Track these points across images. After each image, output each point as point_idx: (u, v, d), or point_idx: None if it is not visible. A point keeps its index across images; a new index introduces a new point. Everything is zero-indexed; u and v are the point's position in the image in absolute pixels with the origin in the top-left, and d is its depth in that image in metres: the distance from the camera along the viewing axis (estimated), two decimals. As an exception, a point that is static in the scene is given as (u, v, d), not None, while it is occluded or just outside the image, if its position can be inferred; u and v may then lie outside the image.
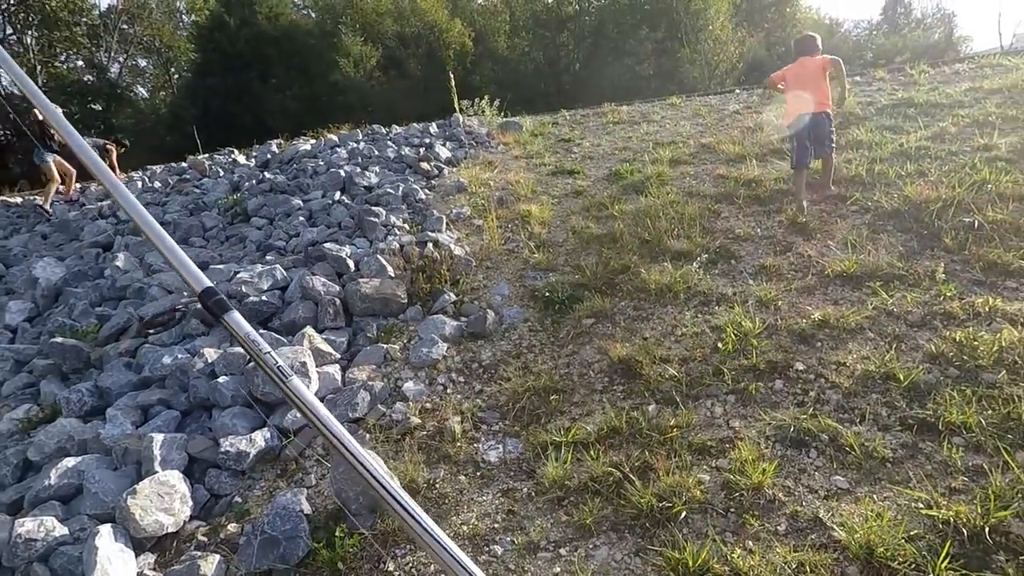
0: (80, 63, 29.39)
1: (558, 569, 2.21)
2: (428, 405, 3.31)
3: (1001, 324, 3.14)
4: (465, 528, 2.46)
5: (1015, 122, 6.14)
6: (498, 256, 5.01)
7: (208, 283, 1.09)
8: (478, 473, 2.80)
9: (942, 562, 1.89)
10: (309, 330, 3.84)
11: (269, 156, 9.06)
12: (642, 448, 2.70)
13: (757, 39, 28.78)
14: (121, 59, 31.27)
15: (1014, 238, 4.03)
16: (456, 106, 10.78)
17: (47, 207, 8.72)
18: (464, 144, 8.67)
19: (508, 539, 2.37)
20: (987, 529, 2.00)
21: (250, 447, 2.98)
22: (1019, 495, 2.12)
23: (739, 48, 26.77)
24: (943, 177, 5.01)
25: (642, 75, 27.28)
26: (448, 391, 3.44)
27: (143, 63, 33.22)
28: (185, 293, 3.48)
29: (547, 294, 4.22)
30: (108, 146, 10.39)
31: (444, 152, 8.00)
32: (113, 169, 9.96)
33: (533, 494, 2.61)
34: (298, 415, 3.19)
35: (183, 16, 33.84)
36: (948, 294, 3.51)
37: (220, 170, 8.96)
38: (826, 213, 4.93)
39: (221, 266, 5.17)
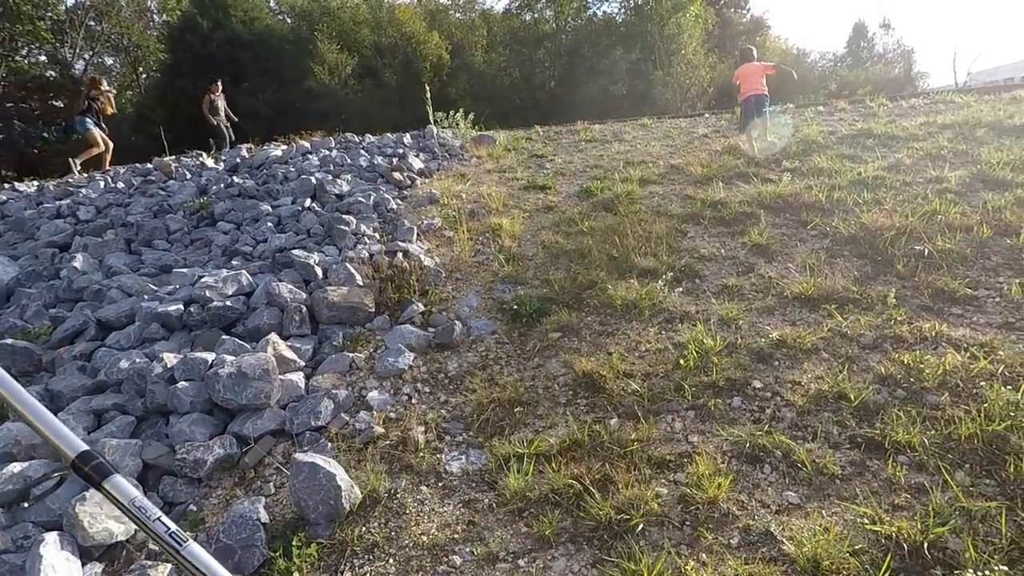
0: (43, 58, 28.59)
1: (516, 580, 2.22)
2: (392, 415, 3.30)
3: (946, 349, 3.29)
4: (425, 538, 2.46)
5: (965, 157, 6.46)
6: (468, 268, 5.04)
7: (83, 446, 0.98)
8: (440, 483, 2.80)
9: (883, 575, 1.97)
10: (273, 337, 3.79)
11: (238, 160, 8.94)
12: (603, 461, 2.74)
13: (728, 65, 29.59)
14: (87, 56, 30.54)
15: (960, 267, 4.23)
16: (431, 118, 10.84)
17: (107, 168, 10.03)
18: (437, 156, 8.71)
19: (467, 550, 2.38)
20: (926, 545, 2.08)
21: (207, 454, 2.93)
22: (956, 512, 2.22)
23: (710, 73, 27.52)
24: (897, 206, 5.24)
25: (616, 95, 27.80)
26: (413, 401, 3.44)
27: (110, 61, 32.50)
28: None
29: (515, 307, 4.25)
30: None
31: (417, 163, 8.02)
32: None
33: (494, 505, 2.62)
34: (259, 422, 3.15)
35: (154, 15, 33.27)
36: (898, 318, 3.66)
37: (187, 173, 8.79)
38: (787, 237, 5.10)
39: (185, 270, 5.08)
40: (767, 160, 7.27)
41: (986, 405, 2.73)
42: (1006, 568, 1.95)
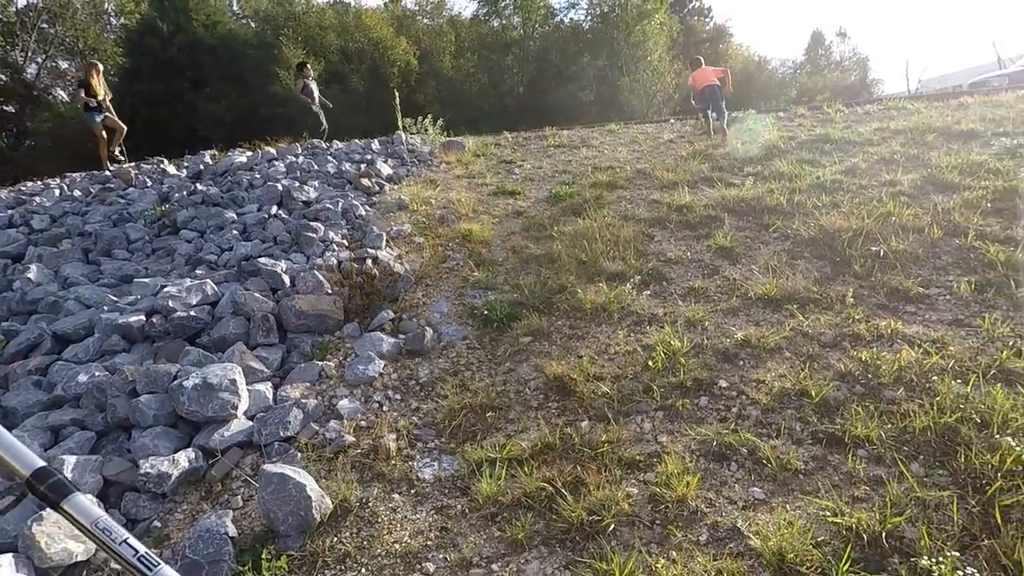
0: (-9, 61, 27.52)
1: (490, 585, 2.23)
2: (363, 423, 3.28)
3: (901, 345, 3.41)
4: (397, 547, 2.44)
5: (916, 161, 6.71)
6: (438, 274, 5.03)
7: (40, 463, 0.90)
8: (412, 491, 2.79)
9: (844, 565, 2.04)
10: (240, 346, 3.73)
11: (202, 167, 8.77)
12: (574, 463, 2.77)
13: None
14: (40, 60, 29.44)
15: (913, 266, 4.40)
16: (399, 123, 10.80)
17: (107, 164, 9.91)
18: (406, 162, 8.68)
19: (440, 556, 2.37)
20: (884, 534, 2.16)
21: (172, 468, 2.86)
22: (912, 502, 2.31)
23: (676, 79, 28.02)
24: (854, 209, 5.41)
25: (583, 101, 28.12)
26: (384, 409, 3.42)
27: (64, 65, 31.26)
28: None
29: (486, 312, 4.26)
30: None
31: (386, 169, 7.98)
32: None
33: (467, 511, 2.62)
34: (226, 433, 3.09)
35: (111, 18, 32.29)
36: (856, 317, 3.78)
37: (148, 180, 8.58)
38: (750, 239, 5.22)
39: (146, 280, 4.96)
40: (730, 165, 7.44)
41: (938, 399, 2.84)
42: (958, 553, 2.04)
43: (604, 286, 4.47)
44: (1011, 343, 3.31)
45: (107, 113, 9.85)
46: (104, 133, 9.90)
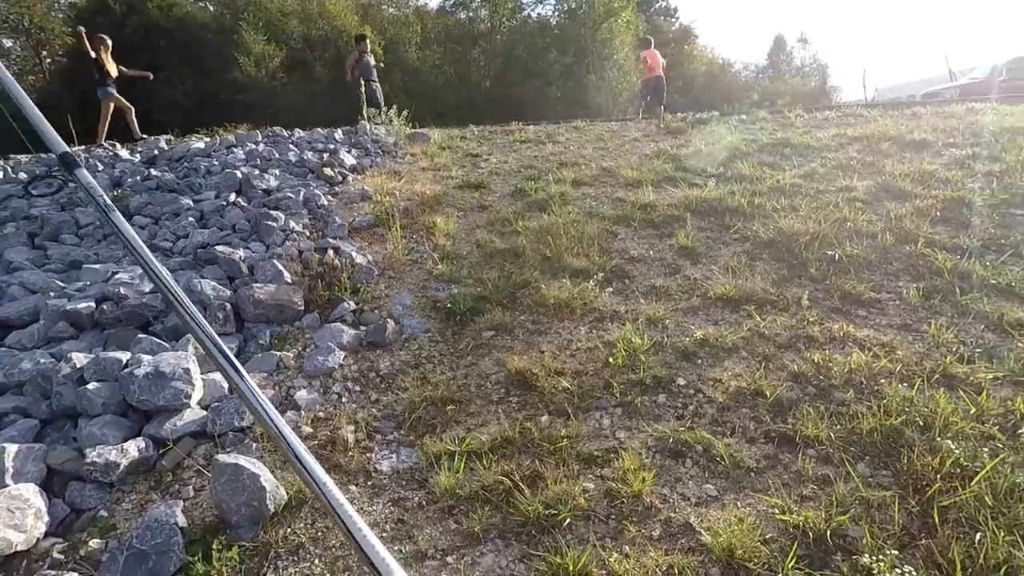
0: (-74, 38, 25.98)
1: (445, 577, 2.23)
2: (321, 414, 3.23)
3: (852, 348, 3.53)
4: (353, 541, 2.41)
5: (871, 167, 6.95)
6: (401, 266, 4.98)
7: (64, 148, 1.38)
8: (370, 483, 2.76)
9: (789, 562, 2.10)
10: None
11: (157, 152, 8.48)
12: (533, 458, 2.79)
13: (659, 73, 30.62)
14: (-19, 37, 27.91)
15: (866, 271, 4.55)
16: (364, 113, 10.63)
17: (138, 133, 10.55)
18: (370, 152, 8.56)
19: (396, 548, 2.36)
20: (829, 532, 2.23)
21: (121, 457, 2.77)
22: (856, 502, 2.39)
23: (641, 78, 28.32)
24: (811, 213, 5.56)
25: (550, 97, 28.19)
26: (343, 400, 3.38)
27: (8, 43, 29.67)
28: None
29: (449, 305, 4.24)
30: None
31: (349, 159, 7.86)
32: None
33: (424, 503, 2.61)
34: (179, 423, 3.00)
35: (59, -4, 30.78)
36: (811, 319, 3.89)
37: (99, 164, 8.25)
38: (711, 240, 5.32)
39: (97, 266, 4.77)
40: (694, 165, 7.56)
41: (885, 401, 2.95)
42: (897, 552, 2.13)
43: (567, 282, 4.50)
44: (955, 349, 3.46)
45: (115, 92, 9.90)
46: (125, 103, 10.21)
